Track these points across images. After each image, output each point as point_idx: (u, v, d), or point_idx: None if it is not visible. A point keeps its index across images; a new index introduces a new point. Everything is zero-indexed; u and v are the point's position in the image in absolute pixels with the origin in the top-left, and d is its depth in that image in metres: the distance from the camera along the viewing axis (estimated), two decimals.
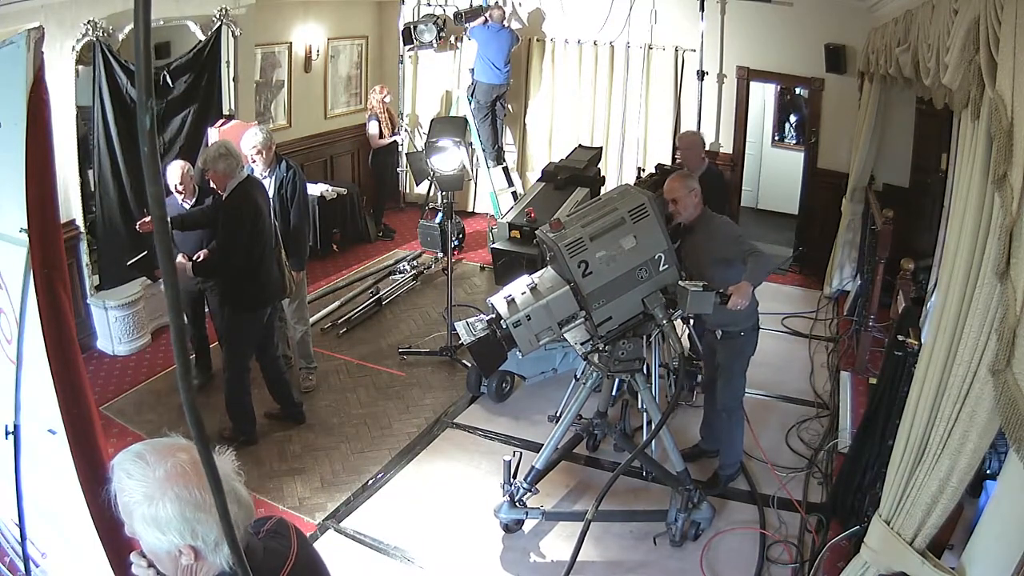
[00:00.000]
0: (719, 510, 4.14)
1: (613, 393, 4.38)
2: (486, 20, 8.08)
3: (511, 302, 3.44)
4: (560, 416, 4.51)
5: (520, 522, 4.04)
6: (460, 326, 3.56)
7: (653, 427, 4.11)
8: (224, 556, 1.41)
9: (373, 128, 8.29)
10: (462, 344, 3.87)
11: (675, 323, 3.71)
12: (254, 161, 4.93)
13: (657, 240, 3.46)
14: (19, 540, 3.06)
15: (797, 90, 8.96)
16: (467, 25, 8.21)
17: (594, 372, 3.92)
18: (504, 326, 3.38)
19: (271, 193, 4.91)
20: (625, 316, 3.53)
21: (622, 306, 3.49)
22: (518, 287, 3.51)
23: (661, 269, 3.47)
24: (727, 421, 4.27)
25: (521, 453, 4.18)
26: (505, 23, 8.13)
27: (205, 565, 1.45)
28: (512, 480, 3.99)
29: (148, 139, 0.89)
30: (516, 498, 3.96)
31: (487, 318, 3.50)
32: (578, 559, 3.58)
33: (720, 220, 4.04)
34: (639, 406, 4.30)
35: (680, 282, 3.45)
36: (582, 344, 3.69)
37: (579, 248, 3.36)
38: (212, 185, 4.47)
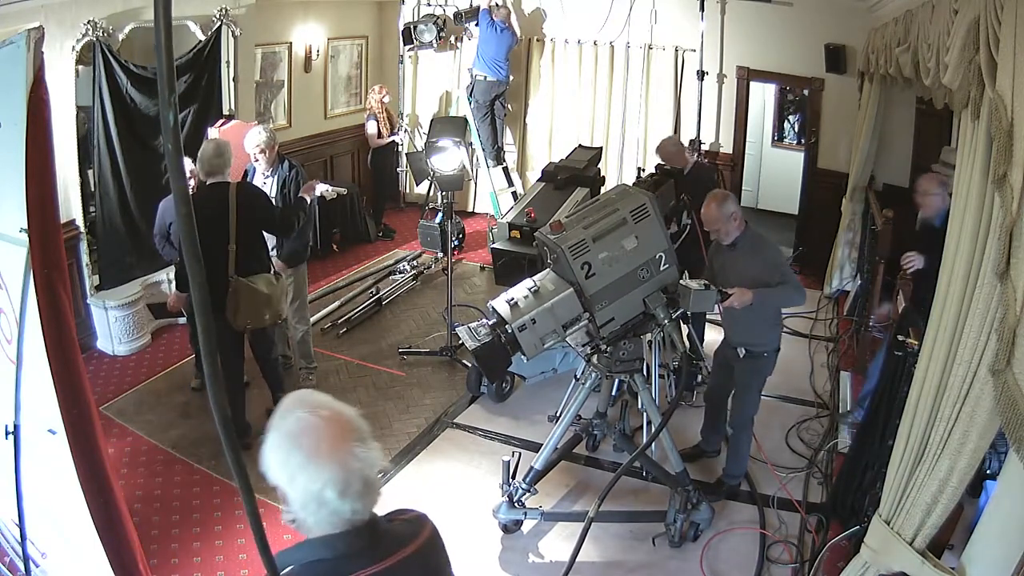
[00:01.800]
0: (719, 510, 4.13)
1: (613, 393, 4.38)
2: (491, 11, 8.07)
3: (514, 306, 3.41)
4: (560, 416, 4.51)
5: (519, 522, 4.04)
6: (463, 331, 3.51)
7: (653, 428, 4.11)
8: (310, 518, 1.46)
9: (372, 128, 8.29)
10: (462, 344, 3.86)
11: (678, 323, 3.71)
12: (257, 160, 4.93)
13: (658, 240, 3.48)
14: (19, 540, 3.06)
15: (804, 92, 8.93)
16: (473, 9, 8.22)
17: (593, 372, 3.92)
18: (509, 330, 3.36)
19: (273, 192, 4.91)
20: (627, 316, 3.53)
21: (624, 306, 3.50)
22: (519, 291, 3.48)
23: (662, 268, 3.48)
24: (735, 435, 4.25)
25: (520, 453, 4.18)
26: (508, 23, 8.13)
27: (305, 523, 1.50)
28: (511, 480, 3.99)
29: (172, 136, 0.89)
30: (515, 498, 3.96)
31: (490, 323, 3.46)
32: (578, 559, 3.58)
33: (767, 245, 4.01)
34: (639, 406, 4.30)
35: (681, 281, 3.48)
36: (583, 345, 3.69)
37: (582, 250, 3.36)
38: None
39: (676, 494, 3.87)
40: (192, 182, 4.79)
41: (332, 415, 1.48)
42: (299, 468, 1.43)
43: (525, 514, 3.98)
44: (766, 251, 3.93)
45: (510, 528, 4.03)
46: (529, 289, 3.45)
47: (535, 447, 4.34)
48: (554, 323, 3.38)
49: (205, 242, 4.02)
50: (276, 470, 1.46)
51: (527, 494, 3.97)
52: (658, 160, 5.40)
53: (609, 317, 3.49)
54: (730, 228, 3.90)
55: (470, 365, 5.36)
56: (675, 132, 8.01)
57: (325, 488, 1.42)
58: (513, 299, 3.44)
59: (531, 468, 3.99)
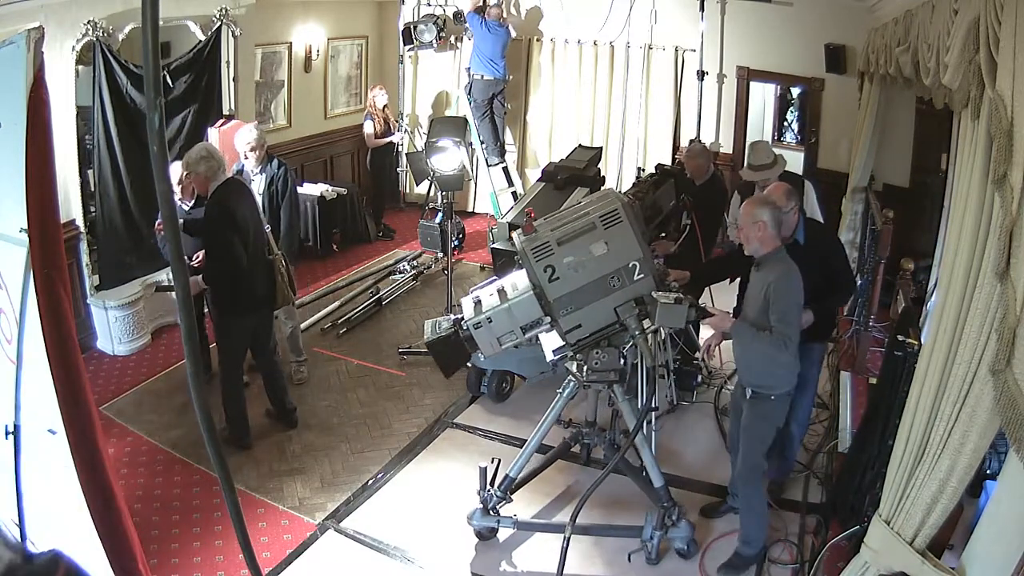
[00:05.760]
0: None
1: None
2: (483, 11, 8.08)
3: (478, 303, 3.38)
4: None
5: (493, 530, 3.96)
6: (428, 324, 3.49)
7: (639, 441, 3.93)
8: None
9: (368, 128, 8.29)
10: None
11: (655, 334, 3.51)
12: (247, 157, 5.00)
13: (631, 247, 3.28)
14: (19, 540, 3.06)
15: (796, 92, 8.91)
16: (464, 13, 8.24)
17: (571, 381, 3.73)
18: (465, 327, 3.35)
19: (261, 189, 4.95)
20: (597, 325, 3.38)
21: (592, 314, 3.34)
22: (487, 290, 3.45)
23: (635, 278, 3.29)
24: (741, 490, 3.77)
25: (499, 460, 4.03)
26: (502, 21, 8.13)
27: None
28: (488, 487, 3.88)
29: (157, 138, 0.90)
30: (489, 506, 3.85)
31: (454, 318, 3.45)
32: (574, 558, 3.57)
33: (787, 286, 3.34)
34: None
35: (653, 292, 3.27)
36: (554, 351, 3.57)
37: (545, 252, 3.25)
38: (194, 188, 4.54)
39: (654, 510, 3.73)
40: (179, 187, 4.77)
41: None
42: None
43: (498, 522, 3.87)
44: (781, 287, 3.33)
45: (484, 535, 3.94)
46: (497, 289, 3.42)
47: None
48: (511, 324, 3.32)
49: (251, 231, 4.12)
50: None
51: (502, 502, 3.87)
52: (658, 160, 5.39)
53: (575, 324, 3.35)
54: (749, 234, 3.39)
55: (470, 365, 5.35)
56: (675, 132, 8.01)
57: None
58: (479, 297, 3.42)
59: (506, 476, 3.88)
